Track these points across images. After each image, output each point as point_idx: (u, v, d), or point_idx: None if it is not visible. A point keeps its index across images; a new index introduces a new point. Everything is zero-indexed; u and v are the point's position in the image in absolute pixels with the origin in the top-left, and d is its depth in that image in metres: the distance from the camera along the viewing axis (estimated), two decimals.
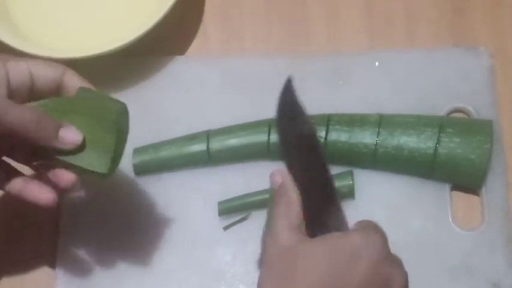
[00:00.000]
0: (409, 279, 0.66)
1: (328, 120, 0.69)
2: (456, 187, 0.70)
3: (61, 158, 0.56)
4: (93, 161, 0.56)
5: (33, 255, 0.71)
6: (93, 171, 0.56)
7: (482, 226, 0.68)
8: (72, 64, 0.73)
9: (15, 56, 0.58)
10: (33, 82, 0.57)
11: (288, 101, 0.60)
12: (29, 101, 0.57)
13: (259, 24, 0.78)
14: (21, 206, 0.70)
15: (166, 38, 0.76)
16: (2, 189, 0.59)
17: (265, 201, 0.69)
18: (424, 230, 0.68)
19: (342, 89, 0.74)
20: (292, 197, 0.56)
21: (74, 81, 0.59)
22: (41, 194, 0.57)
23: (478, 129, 0.68)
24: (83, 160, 0.56)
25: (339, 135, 0.68)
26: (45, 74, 0.58)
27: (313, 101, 0.72)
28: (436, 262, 0.67)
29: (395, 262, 0.53)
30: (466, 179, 0.68)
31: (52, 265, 0.70)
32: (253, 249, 0.69)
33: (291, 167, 0.58)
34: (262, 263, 0.55)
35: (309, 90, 0.73)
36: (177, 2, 0.71)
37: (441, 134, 0.67)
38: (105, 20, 0.77)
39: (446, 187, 0.69)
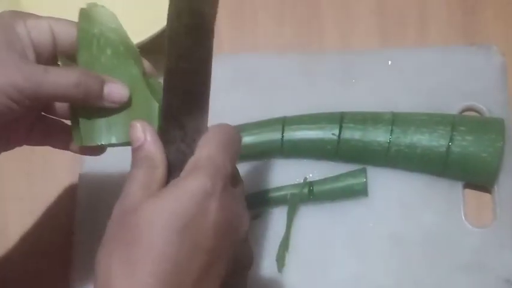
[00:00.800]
0: (422, 275, 0.67)
1: (342, 118, 0.70)
2: (468, 185, 0.70)
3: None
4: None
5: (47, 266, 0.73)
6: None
7: (494, 223, 0.68)
8: None
9: (34, 14, 0.53)
10: (55, 42, 0.53)
11: None
12: (53, 62, 0.54)
13: (272, 22, 0.79)
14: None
15: None
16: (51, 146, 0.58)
17: (280, 198, 0.70)
18: (436, 227, 0.69)
19: (354, 87, 0.74)
20: (157, 159, 0.48)
21: None
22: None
23: (490, 127, 0.68)
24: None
25: (352, 134, 0.69)
26: (68, 33, 0.53)
27: (325, 99, 0.73)
28: (448, 259, 0.68)
29: (237, 197, 0.50)
30: (478, 176, 0.69)
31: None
32: (267, 246, 0.69)
33: (170, 50, 0.49)
34: (106, 229, 0.46)
35: (321, 88, 0.74)
36: None
37: (454, 132, 0.67)
38: (120, 18, 0.77)
39: (459, 184, 0.70)
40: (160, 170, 0.48)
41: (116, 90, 0.52)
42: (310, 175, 0.71)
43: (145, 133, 0.49)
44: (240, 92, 0.75)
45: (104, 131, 0.53)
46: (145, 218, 0.44)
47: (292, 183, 0.70)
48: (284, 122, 0.70)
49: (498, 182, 0.69)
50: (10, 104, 0.49)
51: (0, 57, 0.49)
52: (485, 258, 0.67)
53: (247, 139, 0.71)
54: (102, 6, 0.54)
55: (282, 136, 0.70)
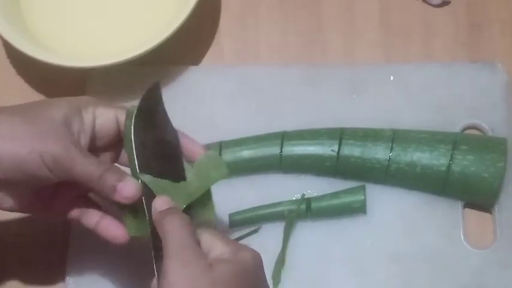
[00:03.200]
0: None
1: (342, 134, 0.69)
2: (469, 204, 0.69)
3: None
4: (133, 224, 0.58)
5: (44, 266, 0.71)
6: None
7: (495, 244, 0.68)
8: (88, 73, 0.74)
9: (105, 101, 0.59)
10: (120, 129, 0.59)
11: (153, 106, 0.59)
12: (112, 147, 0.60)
13: (275, 34, 0.78)
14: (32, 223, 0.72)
15: (181, 47, 0.76)
16: (80, 221, 0.60)
17: (277, 214, 0.69)
18: (435, 247, 0.68)
19: (355, 102, 0.73)
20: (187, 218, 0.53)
21: None
22: (113, 230, 0.58)
23: (492, 147, 0.67)
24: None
25: (351, 150, 0.68)
26: None
27: (327, 113, 0.73)
28: (448, 279, 0.67)
29: None
30: (479, 196, 0.68)
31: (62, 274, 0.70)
32: (264, 261, 0.68)
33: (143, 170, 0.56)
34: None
35: (323, 102, 0.74)
36: (193, 12, 0.71)
37: (455, 151, 0.66)
38: (121, 29, 0.77)
39: (459, 204, 0.69)
40: (189, 229, 0.52)
41: (126, 188, 0.55)
42: (309, 191, 0.70)
43: (169, 203, 0.54)
44: (243, 103, 0.74)
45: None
46: (223, 277, 0.49)
47: (290, 199, 0.70)
48: (283, 137, 0.70)
49: (499, 203, 0.68)
50: (43, 169, 0.53)
51: (51, 128, 0.54)
52: (485, 280, 0.67)
53: (245, 153, 0.70)
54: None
55: (281, 151, 0.69)
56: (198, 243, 0.51)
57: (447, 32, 0.76)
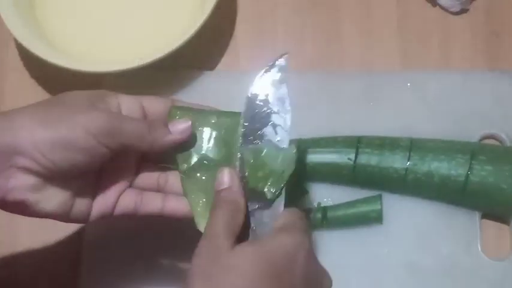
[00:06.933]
0: None
1: (358, 143, 0.68)
2: (486, 215, 0.69)
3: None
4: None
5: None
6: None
7: None
8: (103, 77, 0.73)
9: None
10: (145, 115, 0.58)
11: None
12: None
13: (292, 41, 0.78)
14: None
15: (197, 53, 0.75)
16: (137, 212, 0.59)
17: None
18: (452, 257, 0.67)
19: (372, 110, 0.73)
20: (240, 204, 0.53)
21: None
22: (178, 206, 0.58)
23: (510, 157, 0.66)
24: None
25: (368, 159, 0.67)
26: (157, 107, 0.58)
27: (343, 121, 0.72)
28: None
29: (318, 261, 0.54)
30: (496, 207, 0.67)
31: None
32: None
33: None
34: (194, 265, 0.50)
35: (339, 110, 0.73)
36: (209, 18, 0.71)
37: (473, 162, 0.65)
38: (137, 34, 0.77)
39: (476, 215, 0.68)
40: (242, 215, 0.53)
41: (176, 124, 0.57)
42: (325, 200, 0.70)
43: (232, 179, 0.54)
44: None
45: None
46: (241, 261, 0.49)
47: (306, 207, 0.69)
48: (299, 145, 0.69)
49: None
50: (90, 142, 0.52)
51: (82, 107, 0.54)
52: None
53: None
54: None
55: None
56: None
57: (465, 40, 0.76)
